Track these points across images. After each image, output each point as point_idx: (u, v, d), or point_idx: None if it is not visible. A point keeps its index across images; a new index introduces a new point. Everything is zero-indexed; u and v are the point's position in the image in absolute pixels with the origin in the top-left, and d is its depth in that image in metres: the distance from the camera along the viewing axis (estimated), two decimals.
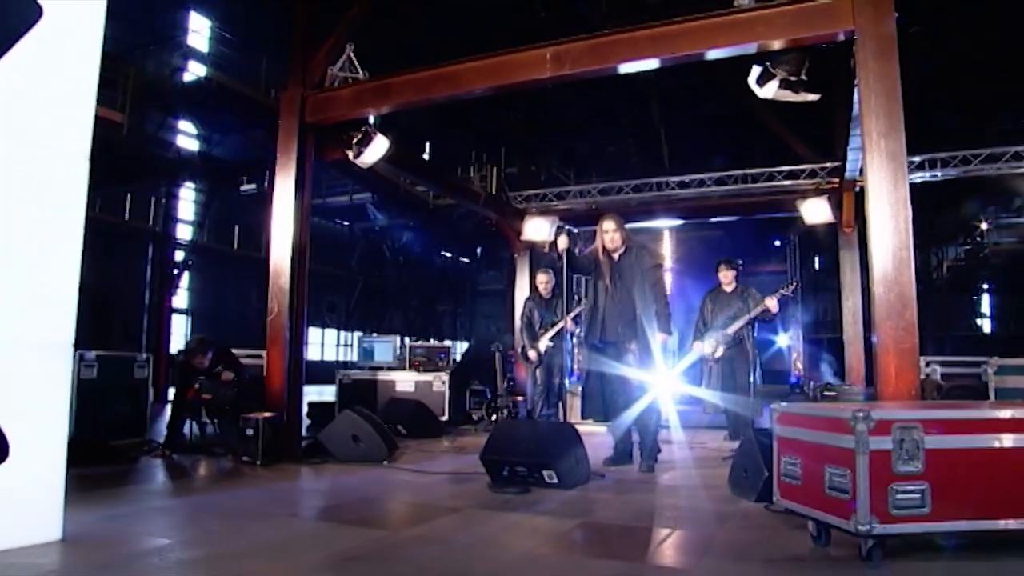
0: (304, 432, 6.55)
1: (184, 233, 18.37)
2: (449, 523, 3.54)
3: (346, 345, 25.07)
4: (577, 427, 5.00)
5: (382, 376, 8.85)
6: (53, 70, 3.11)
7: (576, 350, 8.31)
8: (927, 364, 6.91)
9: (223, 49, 17.52)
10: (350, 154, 6.36)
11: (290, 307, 5.87)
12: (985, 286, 22.85)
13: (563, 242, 5.28)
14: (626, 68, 5.08)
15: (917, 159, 8.66)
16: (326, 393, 10.83)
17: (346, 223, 23.24)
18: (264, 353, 6.41)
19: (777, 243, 19.21)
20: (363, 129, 6.27)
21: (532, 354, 7.52)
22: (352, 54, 6.10)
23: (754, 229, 16.68)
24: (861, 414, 2.65)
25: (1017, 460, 2.72)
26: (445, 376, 8.66)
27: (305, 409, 7.27)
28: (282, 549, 3.02)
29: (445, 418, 8.44)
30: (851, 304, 8.86)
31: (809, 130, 9.46)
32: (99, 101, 3.34)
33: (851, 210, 8.78)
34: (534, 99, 14.54)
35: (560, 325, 7.39)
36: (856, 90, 4.53)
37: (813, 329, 18.40)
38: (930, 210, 15.71)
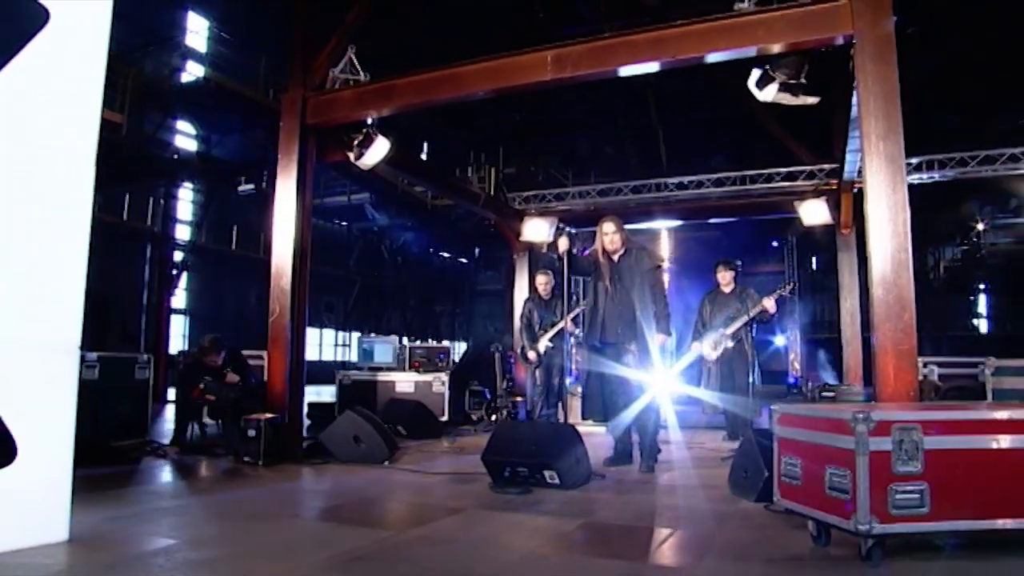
0: (304, 433, 6.56)
1: (183, 233, 18.38)
2: (452, 523, 3.57)
3: (344, 345, 25.08)
4: (577, 427, 5.03)
5: (382, 377, 8.87)
6: (59, 72, 3.13)
7: (574, 351, 8.34)
8: (924, 365, 6.94)
9: (221, 49, 17.52)
10: (351, 156, 6.38)
11: (291, 308, 5.89)
12: (982, 286, 22.92)
13: (563, 243, 5.32)
14: (626, 71, 5.11)
15: (914, 161, 8.71)
16: (324, 393, 10.85)
17: (344, 223, 23.26)
18: (263, 353, 6.45)
19: (775, 244, 19.27)
20: (364, 131, 6.29)
21: (532, 355, 7.55)
22: (353, 56, 6.12)
23: (752, 230, 16.74)
24: (861, 415, 2.68)
25: (1014, 460, 2.75)
26: (445, 377, 8.68)
27: (305, 410, 7.29)
28: (287, 549, 3.04)
29: (445, 418, 8.46)
30: (849, 305, 8.90)
31: (807, 132, 9.50)
32: None
33: (849, 211, 8.82)
34: (533, 100, 14.57)
35: (560, 326, 7.43)
36: (855, 93, 4.57)
37: (811, 329, 18.46)
38: (927, 210, 15.76)
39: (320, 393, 10.83)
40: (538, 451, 4.51)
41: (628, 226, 5.62)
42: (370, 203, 20.53)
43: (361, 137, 6.31)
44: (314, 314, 21.99)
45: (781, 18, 4.53)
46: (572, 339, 7.61)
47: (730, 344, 6.93)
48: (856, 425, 2.68)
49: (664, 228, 14.19)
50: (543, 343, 7.49)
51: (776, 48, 4.65)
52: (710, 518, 3.68)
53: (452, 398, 8.76)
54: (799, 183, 9.43)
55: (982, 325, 23.49)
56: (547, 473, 4.40)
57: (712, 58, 4.82)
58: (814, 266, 21.49)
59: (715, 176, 9.93)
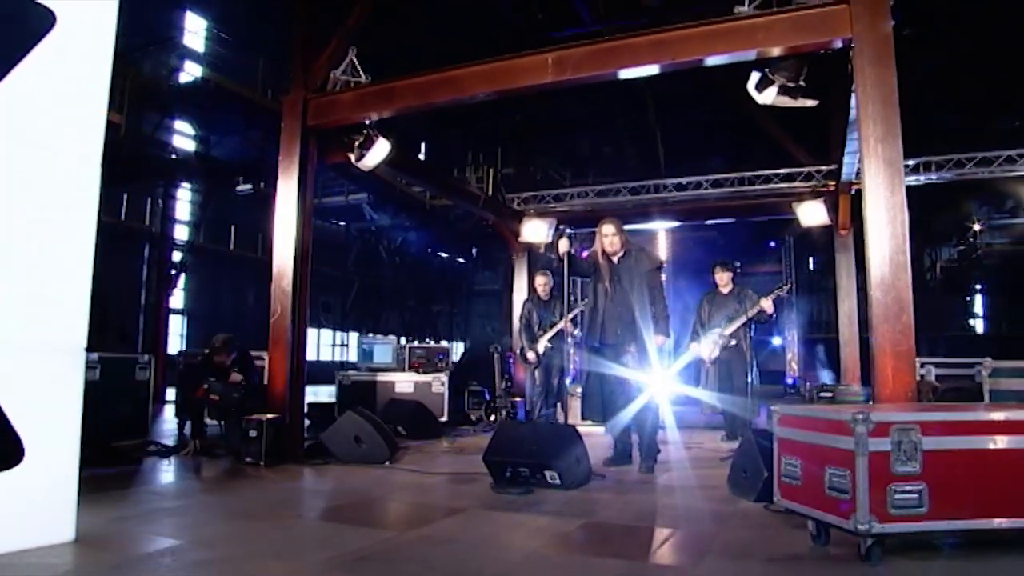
0: (303, 433, 6.58)
1: (181, 233, 18.37)
2: (455, 523, 3.60)
3: (342, 345, 25.09)
4: (576, 427, 5.06)
5: (381, 377, 8.89)
6: (66, 75, 3.15)
7: (572, 351, 8.38)
8: (922, 365, 6.97)
9: (219, 49, 17.52)
10: (351, 157, 6.41)
11: (292, 309, 5.91)
12: (978, 287, 23.00)
13: (563, 245, 5.36)
14: (627, 74, 5.14)
15: (912, 162, 8.76)
16: (321, 393, 10.88)
17: (342, 223, 23.26)
18: (263, 354, 6.48)
19: (772, 244, 19.34)
20: (364, 132, 6.32)
21: (531, 355, 7.58)
22: (354, 57, 6.14)
23: (749, 230, 16.80)
24: (860, 416, 2.72)
25: (1010, 461, 2.79)
26: (444, 377, 8.71)
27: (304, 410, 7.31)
28: (292, 549, 3.07)
29: (444, 419, 8.49)
30: (847, 306, 8.95)
31: (805, 133, 9.54)
32: None
33: (847, 213, 8.86)
34: (531, 101, 14.59)
35: (559, 326, 7.46)
36: (853, 95, 4.60)
37: (808, 329, 18.53)
38: (924, 211, 15.82)
39: (317, 393, 10.85)
40: (539, 451, 4.54)
41: (626, 227, 5.65)
42: (368, 203, 20.54)
43: (362, 138, 6.34)
44: (312, 314, 21.95)
45: (780, 21, 4.56)
46: (570, 339, 7.64)
47: (729, 344, 6.98)
48: (856, 426, 2.72)
49: (662, 229, 14.27)
50: (542, 344, 7.53)
51: (775, 51, 4.68)
52: (710, 518, 3.71)
53: (451, 398, 8.79)
54: (797, 184, 9.47)
55: (978, 325, 23.58)
56: (548, 473, 4.43)
57: (712, 61, 4.86)
58: (811, 267, 21.57)
59: (713, 177, 9.97)
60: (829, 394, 7.06)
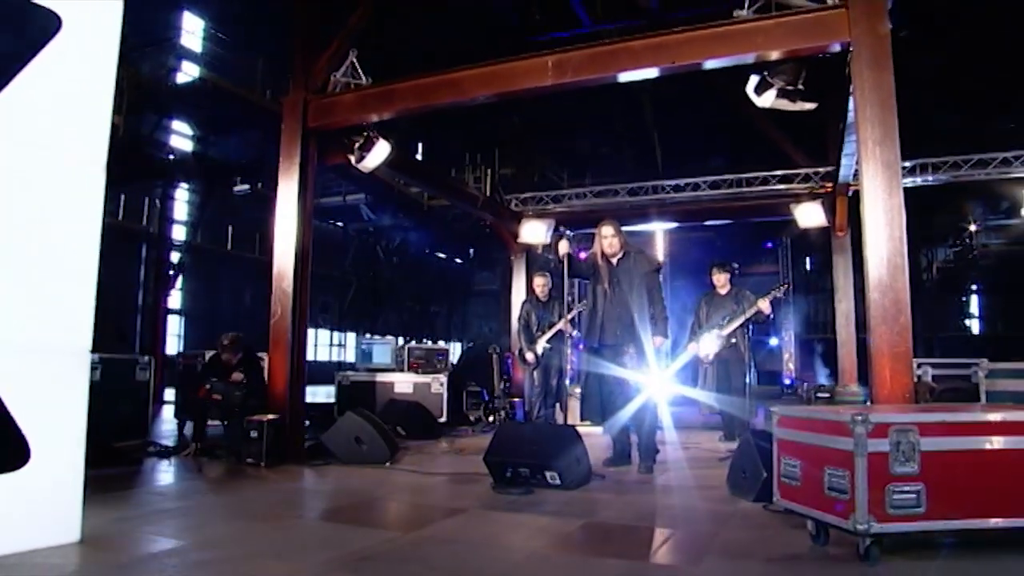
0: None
1: (178, 234, 18.37)
2: (457, 523, 3.62)
3: (339, 345, 25.11)
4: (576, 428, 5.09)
5: (381, 378, 8.91)
6: (71, 78, 3.17)
7: (570, 352, 8.42)
8: (919, 366, 7.04)
9: (217, 49, 17.53)
10: (352, 158, 6.43)
11: (293, 310, 5.93)
12: (974, 287, 23.10)
13: (563, 247, 5.40)
14: (626, 76, 5.17)
15: (908, 164, 8.80)
16: (319, 394, 10.89)
17: (340, 223, 23.26)
18: (262, 354, 6.48)
19: (769, 245, 19.39)
20: (365, 134, 6.34)
21: (530, 356, 7.60)
22: (355, 59, 6.16)
23: (746, 231, 16.85)
24: (859, 417, 2.75)
25: (1006, 461, 2.83)
26: (443, 378, 8.72)
27: None
28: (295, 550, 3.09)
29: (443, 419, 8.51)
30: (844, 307, 8.99)
31: (803, 135, 9.58)
32: None
33: (844, 214, 8.91)
34: (529, 102, 14.60)
35: (557, 327, 7.49)
36: (851, 98, 4.63)
37: (805, 330, 18.59)
38: (920, 212, 15.89)
39: (315, 394, 10.85)
40: (540, 452, 4.57)
41: (624, 228, 5.69)
42: (366, 204, 20.56)
43: (362, 140, 6.37)
44: (310, 314, 21.95)
45: (779, 25, 4.60)
46: (569, 340, 7.68)
47: (727, 345, 7.01)
48: (855, 427, 2.75)
49: (659, 230, 14.32)
50: (541, 344, 7.55)
51: (774, 55, 4.72)
52: (710, 518, 3.75)
53: (450, 399, 8.81)
54: (795, 186, 9.51)
55: (974, 326, 23.68)
56: (548, 474, 4.46)
57: (711, 64, 4.89)
58: (807, 267, 21.63)
59: (711, 179, 10.01)
60: (827, 394, 7.11)
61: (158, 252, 16.79)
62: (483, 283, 27.65)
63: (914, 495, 2.74)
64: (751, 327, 6.99)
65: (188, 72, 15.91)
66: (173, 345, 17.83)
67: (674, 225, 12.19)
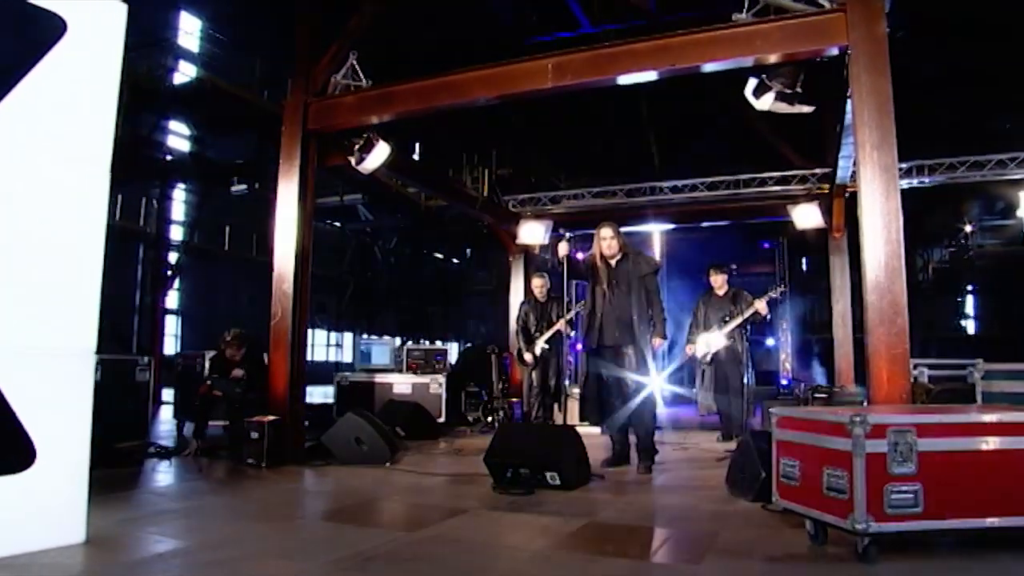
0: None
1: (176, 234, 18.35)
2: (460, 524, 3.65)
3: (337, 346, 25.10)
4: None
5: (379, 378, 8.93)
6: (76, 82, 3.19)
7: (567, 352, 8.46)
8: (915, 367, 7.09)
9: (215, 50, 17.51)
10: (352, 160, 6.45)
11: (293, 311, 5.96)
12: (969, 288, 23.19)
13: (563, 248, 5.44)
14: (625, 79, 5.21)
15: (904, 165, 8.83)
16: (316, 394, 10.90)
17: (337, 224, 23.26)
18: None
19: (766, 245, 19.42)
20: (365, 136, 6.36)
21: (528, 357, 7.65)
22: (355, 62, 6.19)
23: (743, 231, 16.87)
24: (858, 418, 2.79)
25: (1001, 461, 2.87)
26: (442, 378, 8.76)
27: None
28: (301, 550, 3.12)
29: (442, 420, 8.54)
30: (840, 308, 9.04)
31: (800, 136, 9.61)
32: None
33: (841, 216, 8.96)
34: (526, 102, 14.61)
35: (555, 328, 7.53)
36: (849, 101, 4.68)
37: (801, 330, 18.63)
38: (916, 213, 15.94)
39: (312, 394, 10.86)
40: (540, 453, 4.61)
41: (622, 229, 5.73)
42: (363, 204, 20.56)
43: (362, 142, 6.39)
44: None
45: (778, 29, 4.64)
46: (567, 340, 7.71)
47: (725, 345, 7.06)
48: (853, 428, 2.78)
49: (656, 230, 14.34)
50: (539, 345, 7.60)
51: (773, 58, 4.76)
52: (709, 518, 3.78)
53: (448, 399, 8.84)
54: (792, 187, 9.54)
55: (970, 326, 23.77)
56: (548, 474, 4.49)
57: (710, 68, 4.93)
58: (804, 267, 21.68)
59: (709, 180, 10.03)
60: (824, 395, 7.14)
61: (156, 252, 16.76)
62: (480, 283, 27.64)
63: (912, 495, 2.77)
64: (748, 327, 7.05)
65: (185, 72, 15.90)
66: (170, 345, 17.83)
67: (672, 226, 12.23)
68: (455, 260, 29.11)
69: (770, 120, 9.27)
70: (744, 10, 4.72)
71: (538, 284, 7.93)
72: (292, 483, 4.99)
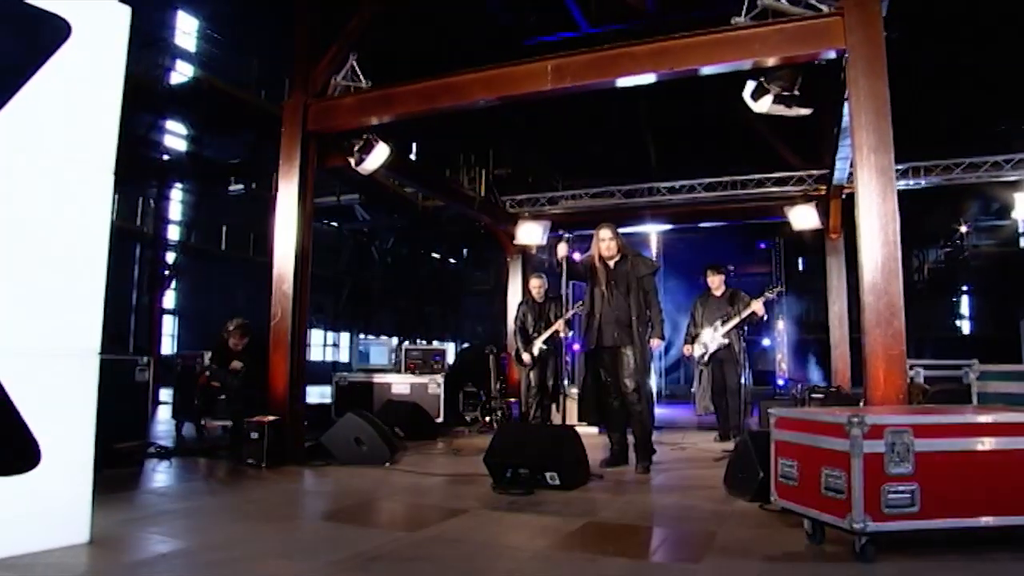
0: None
1: (173, 234, 18.33)
2: (462, 524, 3.68)
3: (334, 345, 25.09)
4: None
5: (378, 378, 8.95)
6: (80, 84, 3.21)
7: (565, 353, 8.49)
8: (911, 367, 7.12)
9: (212, 49, 17.50)
10: (352, 161, 6.47)
11: (293, 312, 5.98)
12: (964, 288, 23.29)
13: (562, 249, 5.46)
14: (624, 82, 5.24)
15: (901, 167, 8.87)
16: (312, 394, 10.89)
17: (334, 224, 23.25)
18: None
19: (762, 246, 19.51)
20: (364, 137, 6.38)
21: (526, 357, 7.68)
22: (355, 63, 6.20)
23: (740, 231, 16.92)
24: (856, 419, 2.82)
25: (997, 461, 2.91)
26: (440, 378, 8.78)
27: None
28: (304, 550, 3.14)
29: (440, 420, 8.56)
30: (837, 309, 9.08)
31: (797, 138, 9.65)
32: None
33: (838, 217, 9.00)
34: (524, 103, 14.62)
35: (553, 328, 7.56)
36: (846, 104, 4.71)
37: (797, 330, 18.71)
38: (911, 214, 15.98)
39: (309, 394, 10.84)
40: (540, 453, 4.63)
41: (620, 229, 5.76)
42: (360, 204, 20.56)
43: (361, 143, 6.41)
44: None
45: (776, 32, 4.67)
46: (564, 341, 7.75)
47: (722, 346, 7.10)
48: (851, 428, 2.82)
49: (654, 231, 14.39)
50: (537, 346, 7.63)
51: (771, 61, 4.79)
52: (708, 517, 3.81)
53: (446, 399, 8.87)
54: (789, 188, 9.58)
55: (964, 326, 23.87)
56: (548, 474, 4.52)
57: (708, 70, 4.96)
58: (800, 268, 21.76)
59: (706, 181, 10.07)
60: (820, 395, 7.19)
61: (153, 252, 16.75)
62: (477, 283, 27.68)
63: (909, 495, 2.81)
64: (745, 328, 7.09)
65: (183, 72, 15.89)
66: (167, 345, 17.82)
67: (669, 227, 12.28)
68: (452, 260, 29.13)
69: (768, 121, 9.32)
70: (743, 13, 4.75)
71: (536, 285, 7.96)
72: (292, 483, 5.01)
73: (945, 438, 2.90)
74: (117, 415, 6.27)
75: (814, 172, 9.35)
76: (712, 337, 7.17)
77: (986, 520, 2.87)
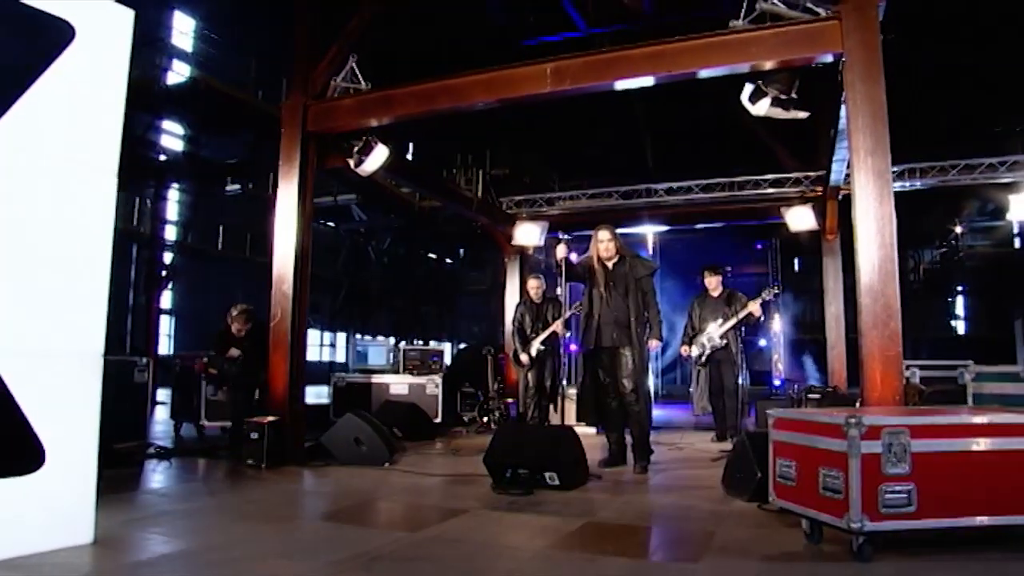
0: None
1: (170, 234, 18.30)
2: (462, 524, 3.70)
3: (331, 345, 25.09)
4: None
5: (376, 379, 8.97)
6: (84, 87, 3.23)
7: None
8: (907, 368, 7.18)
9: (209, 50, 17.47)
10: (351, 162, 6.48)
11: (292, 312, 6.00)
12: (959, 288, 23.36)
13: (561, 250, 5.49)
14: (623, 84, 5.27)
15: (897, 169, 8.93)
16: (309, 394, 10.88)
17: (331, 224, 23.24)
18: None
19: (759, 246, 19.54)
20: (364, 138, 6.40)
21: (524, 358, 7.70)
22: (355, 64, 6.22)
23: (736, 232, 16.96)
24: (853, 420, 2.86)
25: (992, 461, 2.95)
26: (438, 379, 8.81)
27: None
28: (306, 550, 3.17)
29: (438, 420, 8.58)
30: (834, 309, 9.12)
31: (794, 139, 9.70)
32: None
33: (834, 218, 9.03)
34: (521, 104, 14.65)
35: (551, 329, 7.58)
36: (843, 107, 4.75)
37: (793, 330, 18.76)
38: (906, 214, 16.00)
39: (306, 394, 10.84)
40: (539, 453, 4.66)
41: (617, 230, 5.80)
42: (356, 204, 20.55)
43: (361, 144, 6.42)
44: None
45: (773, 36, 4.70)
46: (561, 341, 7.77)
47: (720, 346, 7.14)
48: (849, 429, 2.85)
49: (650, 232, 14.42)
50: (535, 346, 7.65)
51: (768, 65, 4.82)
52: (706, 517, 3.84)
53: (444, 400, 8.89)
54: (786, 189, 9.62)
55: (959, 326, 23.95)
56: (547, 475, 4.55)
57: (706, 73, 4.99)
58: (796, 268, 21.81)
59: (704, 182, 10.11)
60: (817, 396, 7.22)
61: (150, 252, 16.72)
62: (473, 283, 27.66)
63: (905, 495, 2.85)
64: (742, 329, 7.13)
65: (179, 72, 15.87)
66: (164, 346, 17.80)
67: (667, 228, 12.31)
68: (448, 260, 29.12)
69: (764, 123, 9.34)
70: (741, 17, 4.79)
71: (534, 285, 7.98)
72: (292, 484, 5.03)
73: (941, 439, 2.94)
74: (116, 416, 6.31)
75: (811, 173, 9.39)
76: (710, 338, 7.20)
77: (981, 520, 2.91)
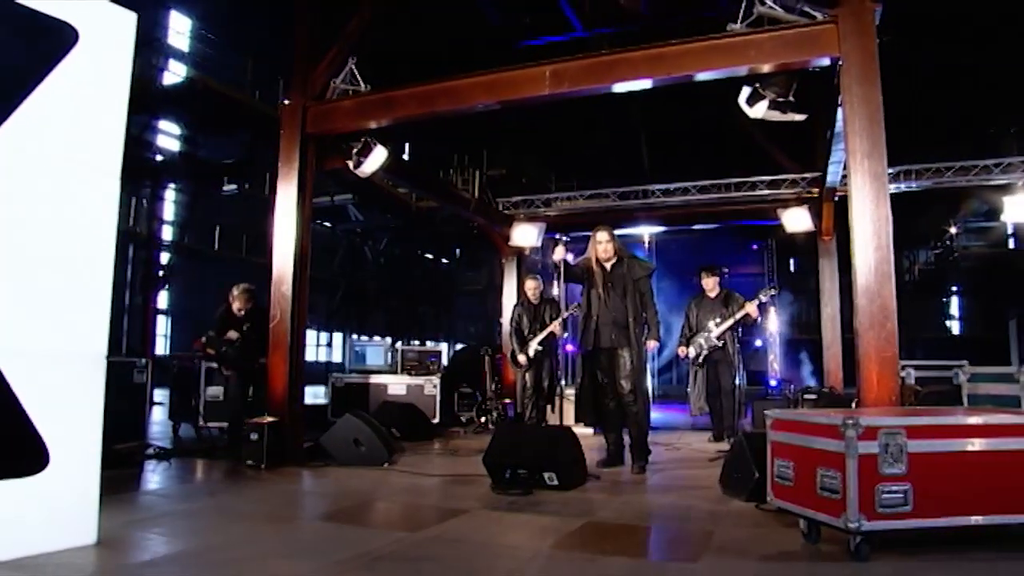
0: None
1: (166, 234, 18.27)
2: (462, 524, 3.73)
3: (327, 345, 25.09)
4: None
5: (374, 379, 8.99)
6: (88, 90, 3.24)
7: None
8: (902, 368, 7.22)
9: (206, 50, 17.44)
10: (350, 164, 6.50)
11: (292, 313, 6.01)
12: (954, 289, 23.46)
13: (559, 252, 5.52)
14: (621, 87, 5.30)
15: (892, 170, 8.97)
16: (306, 394, 10.88)
17: (328, 224, 23.22)
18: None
19: (755, 247, 19.59)
20: (363, 139, 6.42)
21: (521, 358, 7.72)
22: (354, 66, 6.24)
23: (733, 233, 17.01)
24: (851, 421, 2.89)
25: (986, 461, 2.99)
26: (436, 379, 8.83)
27: None
28: (308, 550, 3.19)
29: (436, 420, 8.60)
30: (830, 310, 9.17)
31: (790, 140, 9.74)
32: None
33: (831, 219, 9.09)
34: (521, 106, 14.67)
35: (549, 330, 7.61)
36: (840, 110, 4.79)
37: (789, 331, 18.80)
38: (902, 215, 16.05)
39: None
40: (538, 453, 4.69)
41: (614, 231, 5.83)
42: (353, 204, 20.54)
43: (360, 146, 6.44)
44: None
45: (771, 39, 4.74)
46: (559, 342, 7.80)
47: (717, 347, 7.17)
48: (846, 430, 2.89)
49: (647, 232, 14.46)
50: (532, 347, 7.67)
51: (766, 68, 4.86)
52: (705, 517, 3.87)
53: (442, 400, 8.91)
54: (782, 191, 9.67)
55: (954, 327, 24.05)
56: (546, 475, 4.58)
57: (704, 76, 5.03)
58: (792, 269, 21.87)
59: (700, 183, 10.15)
60: (813, 396, 7.27)
61: (147, 253, 16.68)
62: (470, 283, 27.66)
63: (902, 494, 2.88)
64: (739, 329, 7.17)
65: (176, 72, 15.85)
66: (161, 346, 17.76)
67: (664, 229, 12.36)
68: (445, 260, 29.12)
69: (760, 124, 9.37)
70: (739, 20, 4.82)
71: (531, 286, 8.00)
72: (292, 484, 5.05)
73: (937, 439, 2.98)
74: (116, 416, 6.31)
75: (807, 175, 9.44)
76: (707, 338, 7.23)
77: (976, 519, 2.94)
